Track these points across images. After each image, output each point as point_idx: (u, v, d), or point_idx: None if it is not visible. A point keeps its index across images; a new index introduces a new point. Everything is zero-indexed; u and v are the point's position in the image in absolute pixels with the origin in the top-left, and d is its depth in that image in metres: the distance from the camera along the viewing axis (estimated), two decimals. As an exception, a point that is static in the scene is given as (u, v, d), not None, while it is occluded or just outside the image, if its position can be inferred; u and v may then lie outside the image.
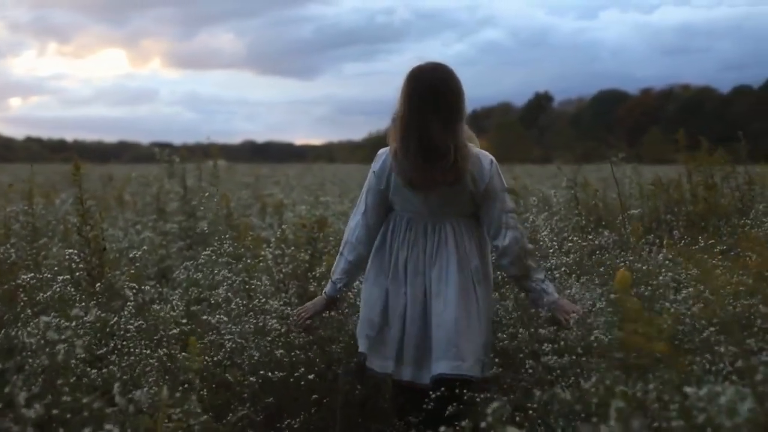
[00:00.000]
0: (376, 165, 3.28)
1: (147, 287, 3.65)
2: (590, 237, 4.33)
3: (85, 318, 2.69)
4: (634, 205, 6.25)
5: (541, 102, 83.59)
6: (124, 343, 3.03)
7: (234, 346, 3.43)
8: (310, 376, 3.36)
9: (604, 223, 4.97)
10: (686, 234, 5.11)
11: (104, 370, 2.76)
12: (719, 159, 5.67)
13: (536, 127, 75.13)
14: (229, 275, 3.97)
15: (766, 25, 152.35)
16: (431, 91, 3.08)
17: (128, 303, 3.26)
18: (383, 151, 3.27)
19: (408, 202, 3.23)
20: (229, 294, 3.88)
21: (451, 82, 3.12)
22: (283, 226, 4.85)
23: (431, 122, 3.05)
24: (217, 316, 3.49)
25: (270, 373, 3.32)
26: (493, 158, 3.20)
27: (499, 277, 3.67)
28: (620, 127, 58.43)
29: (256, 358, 3.41)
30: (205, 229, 6.19)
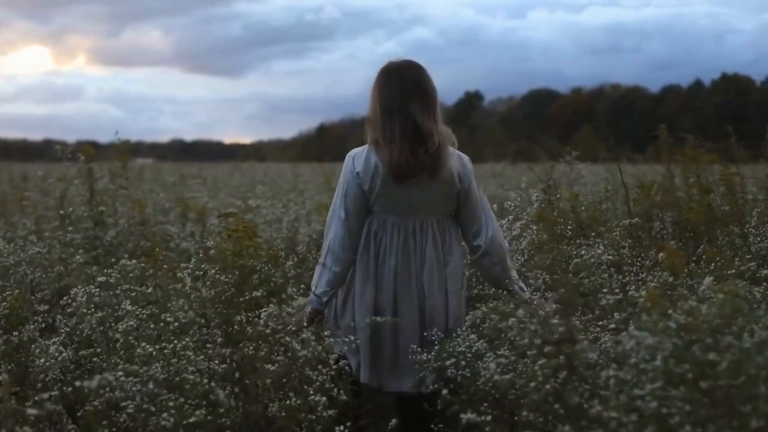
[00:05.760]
0: (357, 166, 3.12)
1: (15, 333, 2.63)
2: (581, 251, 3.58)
3: None
4: (611, 209, 5.59)
5: (471, 101, 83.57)
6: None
7: (133, 410, 2.52)
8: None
9: (593, 234, 4.18)
10: (681, 244, 4.43)
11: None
12: (711, 158, 5.00)
13: (467, 125, 75.03)
14: (131, 308, 3.04)
15: (694, 25, 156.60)
16: (411, 80, 3.14)
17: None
18: (359, 151, 3.16)
19: (394, 202, 3.13)
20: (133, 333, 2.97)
21: (425, 75, 3.18)
22: (207, 245, 3.91)
23: (415, 107, 3.07)
24: (101, 377, 2.50)
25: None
26: (468, 158, 3.24)
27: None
28: (552, 125, 58.55)
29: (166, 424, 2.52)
30: (109, 239, 5.24)
